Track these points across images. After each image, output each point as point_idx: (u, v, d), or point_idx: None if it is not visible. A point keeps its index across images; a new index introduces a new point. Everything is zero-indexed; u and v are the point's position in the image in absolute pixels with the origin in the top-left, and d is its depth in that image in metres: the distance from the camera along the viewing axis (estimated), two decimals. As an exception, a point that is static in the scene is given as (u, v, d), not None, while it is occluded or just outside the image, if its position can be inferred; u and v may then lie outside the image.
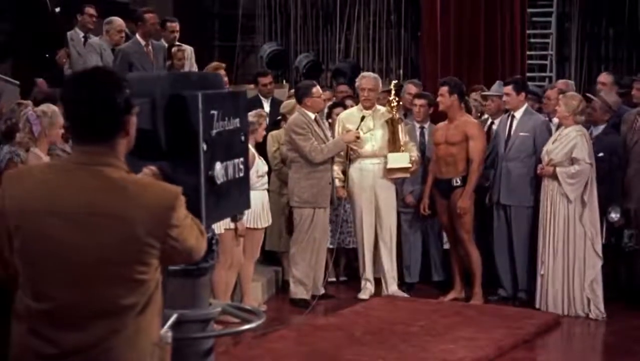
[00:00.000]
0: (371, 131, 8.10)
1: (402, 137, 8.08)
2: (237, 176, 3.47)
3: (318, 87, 8.11)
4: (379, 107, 8.24)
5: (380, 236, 8.17)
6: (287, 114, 8.52)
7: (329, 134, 8.10)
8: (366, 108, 8.16)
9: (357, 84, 8.38)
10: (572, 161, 7.41)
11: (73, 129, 2.70)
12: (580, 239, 7.44)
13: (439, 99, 8.04)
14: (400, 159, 8.01)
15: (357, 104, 8.49)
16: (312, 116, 7.92)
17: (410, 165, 8.01)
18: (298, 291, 7.89)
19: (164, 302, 3.20)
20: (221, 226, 6.79)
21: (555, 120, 8.06)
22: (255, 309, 3.70)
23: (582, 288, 7.48)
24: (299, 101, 7.98)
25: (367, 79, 8.25)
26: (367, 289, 8.20)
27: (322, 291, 8.06)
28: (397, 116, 8.09)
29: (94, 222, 2.59)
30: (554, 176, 7.46)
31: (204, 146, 3.12)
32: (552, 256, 7.51)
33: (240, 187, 3.53)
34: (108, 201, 2.60)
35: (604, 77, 8.83)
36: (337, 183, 8.08)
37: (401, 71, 13.79)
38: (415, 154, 8.13)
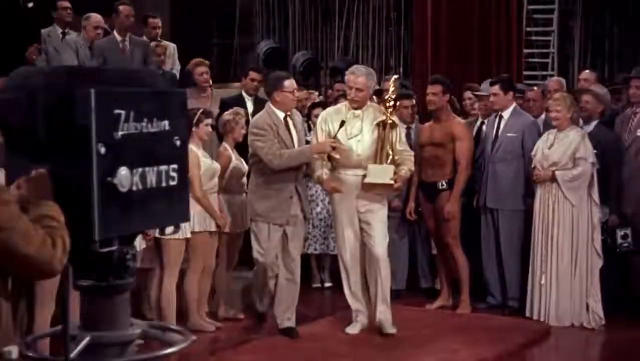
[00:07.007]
0: (357, 136, 6.64)
1: (397, 145, 6.67)
2: (163, 184, 3.18)
3: (292, 80, 6.74)
4: (371, 105, 6.81)
5: (369, 261, 6.71)
6: None
7: (299, 138, 6.76)
8: (353, 108, 6.68)
9: (345, 78, 6.87)
10: (575, 161, 7.12)
11: None
12: (583, 243, 7.16)
13: (430, 97, 7.58)
14: (381, 173, 6.54)
15: None
16: (281, 115, 6.62)
17: (391, 182, 6.56)
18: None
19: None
20: (187, 230, 6.49)
21: (541, 118, 7.74)
22: (181, 329, 3.37)
23: (581, 295, 7.19)
24: (268, 95, 6.86)
25: (356, 76, 6.63)
26: (358, 323, 6.85)
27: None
28: (393, 119, 6.63)
29: None
30: (552, 180, 7.14)
31: (102, 149, 2.86)
32: (554, 263, 7.17)
33: (171, 197, 3.25)
34: None
35: (587, 75, 8.54)
36: (324, 175, 6.62)
37: (401, 69, 13.61)
38: (407, 167, 6.67)
